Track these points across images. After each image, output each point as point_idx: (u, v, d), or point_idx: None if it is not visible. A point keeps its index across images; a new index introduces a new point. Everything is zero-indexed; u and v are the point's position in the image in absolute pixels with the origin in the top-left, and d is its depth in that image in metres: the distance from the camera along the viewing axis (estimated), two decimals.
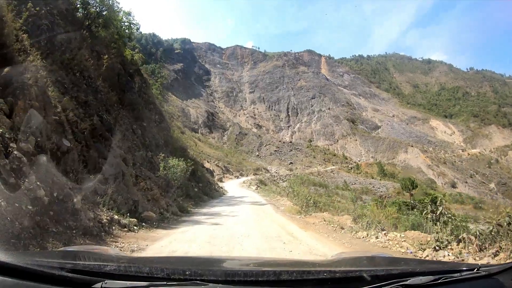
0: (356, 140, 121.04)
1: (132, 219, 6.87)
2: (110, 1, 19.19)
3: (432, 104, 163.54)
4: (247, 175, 57.20)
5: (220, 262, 2.33)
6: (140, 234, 6.46)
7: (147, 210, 8.08)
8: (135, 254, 4.85)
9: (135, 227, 6.69)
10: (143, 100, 23.31)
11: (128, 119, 17.56)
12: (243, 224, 8.83)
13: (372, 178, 72.78)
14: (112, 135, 11.70)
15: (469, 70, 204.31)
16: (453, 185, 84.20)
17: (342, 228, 8.22)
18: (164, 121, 29.46)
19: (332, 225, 8.67)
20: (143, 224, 7.30)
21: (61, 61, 11.35)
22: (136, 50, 32.26)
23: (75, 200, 5.10)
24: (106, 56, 17.07)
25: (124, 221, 6.46)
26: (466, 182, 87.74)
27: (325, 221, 9.33)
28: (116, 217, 6.28)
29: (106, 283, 1.23)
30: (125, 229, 6.23)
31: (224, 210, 13.08)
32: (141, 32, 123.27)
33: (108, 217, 5.97)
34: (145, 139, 18.57)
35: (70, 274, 1.26)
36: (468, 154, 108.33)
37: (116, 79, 19.19)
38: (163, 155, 15.77)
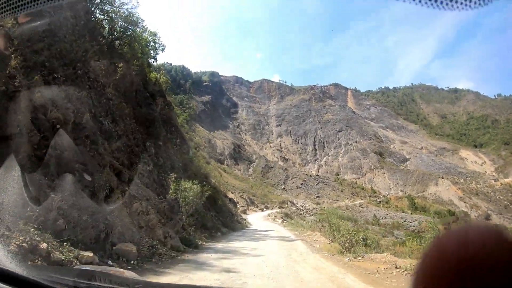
0: (384, 173, 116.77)
1: (85, 254, 4.06)
2: (135, 18, 19.07)
3: (461, 134, 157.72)
4: (272, 208, 54.33)
5: None
6: None
7: (125, 241, 5.32)
8: None
9: None
10: (163, 120, 22.03)
11: (141, 135, 15.88)
12: (269, 272, 5.74)
13: (403, 212, 69.00)
14: (109, 143, 9.45)
15: (496, 96, 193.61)
16: (487, 217, 78.47)
17: None
18: (186, 145, 27.73)
19: None
20: (109, 262, 4.52)
21: (58, 50, 9.65)
22: (162, 72, 31.50)
23: None
24: (122, 65, 15.81)
25: (60, 255, 3.69)
26: (501, 214, 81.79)
27: (396, 268, 6.08)
28: (43, 245, 3.52)
29: None
30: None
31: (245, 247, 10.04)
32: (171, 64, 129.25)
33: (25, 243, 3.24)
34: (158, 158, 16.54)
35: None
36: (501, 184, 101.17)
37: (133, 94, 18.45)
38: (175, 175, 13.27)
